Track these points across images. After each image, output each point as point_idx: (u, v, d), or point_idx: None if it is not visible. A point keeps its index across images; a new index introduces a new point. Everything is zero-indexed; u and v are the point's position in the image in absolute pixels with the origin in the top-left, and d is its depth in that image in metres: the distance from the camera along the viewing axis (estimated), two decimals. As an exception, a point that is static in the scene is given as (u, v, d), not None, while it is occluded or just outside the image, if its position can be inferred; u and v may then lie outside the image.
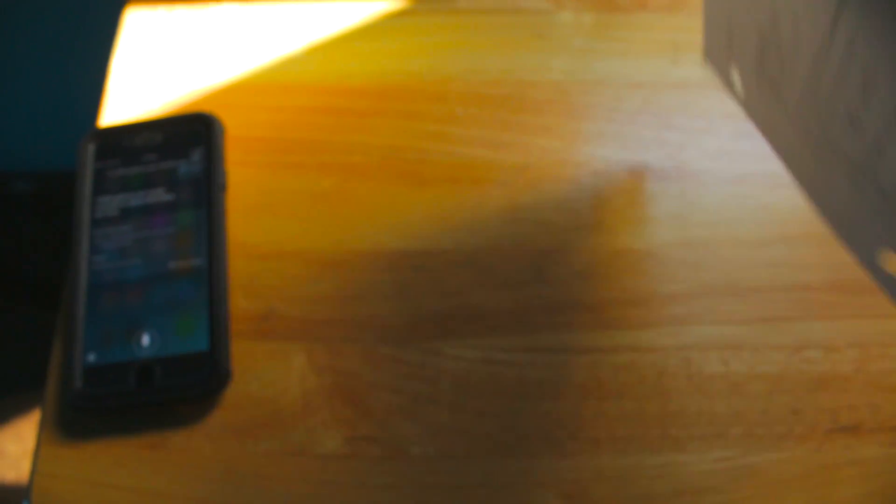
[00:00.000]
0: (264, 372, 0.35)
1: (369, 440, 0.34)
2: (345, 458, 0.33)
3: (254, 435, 0.33)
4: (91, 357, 0.33)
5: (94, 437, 0.33)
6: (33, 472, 0.32)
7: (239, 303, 0.34)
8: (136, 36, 0.44)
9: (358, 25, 0.45)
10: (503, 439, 0.34)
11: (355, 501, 0.32)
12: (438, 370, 0.35)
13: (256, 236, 0.38)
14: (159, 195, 0.36)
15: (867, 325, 0.36)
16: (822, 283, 0.37)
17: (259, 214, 0.39)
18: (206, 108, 0.39)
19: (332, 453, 0.33)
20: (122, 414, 0.32)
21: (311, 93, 0.42)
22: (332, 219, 0.39)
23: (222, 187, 0.36)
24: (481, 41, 0.44)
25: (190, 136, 0.38)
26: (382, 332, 0.36)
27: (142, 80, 0.42)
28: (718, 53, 0.30)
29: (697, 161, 0.41)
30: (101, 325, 0.33)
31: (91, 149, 0.37)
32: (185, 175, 0.37)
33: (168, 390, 0.32)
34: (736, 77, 0.30)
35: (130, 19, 0.45)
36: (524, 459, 0.33)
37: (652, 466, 0.33)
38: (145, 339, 0.33)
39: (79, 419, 0.33)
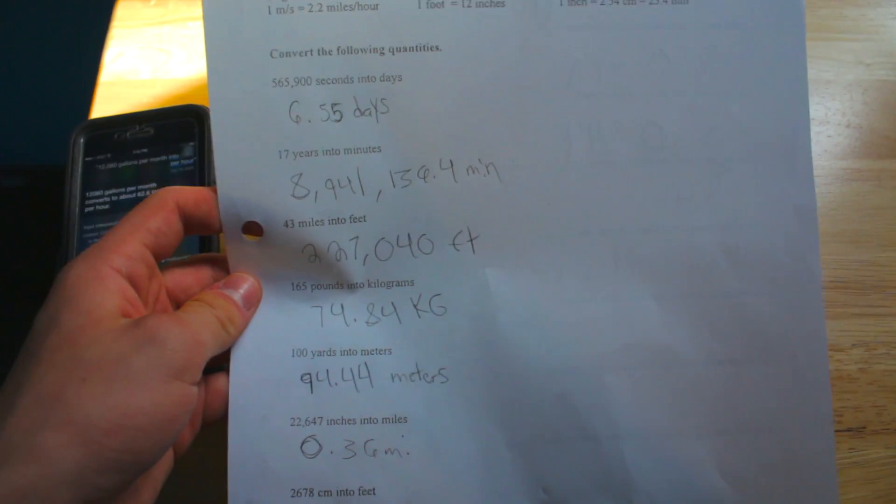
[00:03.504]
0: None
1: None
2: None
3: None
4: (80, 355, 0.32)
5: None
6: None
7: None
8: (127, 28, 0.43)
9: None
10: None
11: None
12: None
13: (250, 232, 0.37)
14: (151, 190, 0.36)
15: (872, 324, 0.36)
16: (827, 282, 0.37)
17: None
18: (199, 101, 0.38)
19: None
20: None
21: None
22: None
23: (215, 182, 0.36)
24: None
25: (182, 129, 0.37)
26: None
27: (133, 73, 0.42)
28: None
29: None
30: (91, 323, 0.33)
31: (81, 142, 0.37)
32: (177, 169, 0.36)
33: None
34: None
35: (122, 12, 0.44)
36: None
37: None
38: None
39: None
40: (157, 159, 0.36)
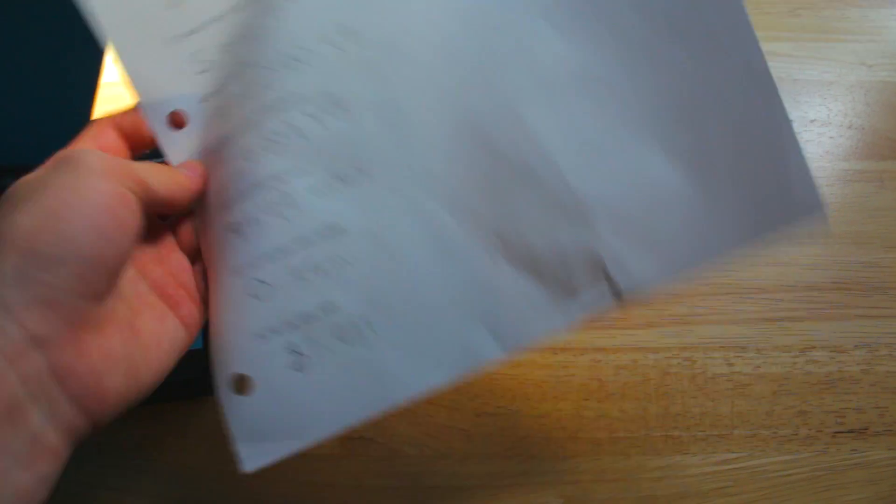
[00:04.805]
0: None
1: (365, 441, 0.33)
2: (340, 459, 0.33)
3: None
4: (81, 355, 0.32)
5: (84, 436, 0.32)
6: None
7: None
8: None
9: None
10: (502, 440, 0.33)
11: (351, 502, 0.32)
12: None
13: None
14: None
15: (875, 325, 0.36)
16: (830, 283, 0.37)
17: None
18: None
19: (328, 454, 0.33)
20: (112, 413, 0.32)
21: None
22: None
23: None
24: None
25: (184, 129, 0.37)
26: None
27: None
28: None
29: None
30: (92, 323, 0.33)
31: (83, 142, 0.37)
32: (178, 169, 0.36)
33: (160, 389, 0.31)
34: None
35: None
36: (524, 461, 0.33)
37: (654, 468, 0.33)
38: (137, 337, 0.32)
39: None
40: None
